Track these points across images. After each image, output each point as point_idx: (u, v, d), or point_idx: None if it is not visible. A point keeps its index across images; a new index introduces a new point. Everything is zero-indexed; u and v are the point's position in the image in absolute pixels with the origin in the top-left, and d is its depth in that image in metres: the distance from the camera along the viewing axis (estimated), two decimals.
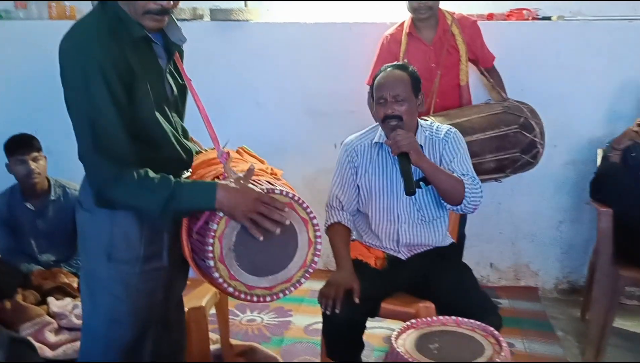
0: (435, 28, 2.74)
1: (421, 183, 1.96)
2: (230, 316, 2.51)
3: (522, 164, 2.55)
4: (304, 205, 1.47)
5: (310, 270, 1.50)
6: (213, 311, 2.29)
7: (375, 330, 2.65)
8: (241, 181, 1.43)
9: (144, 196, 1.37)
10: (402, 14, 2.83)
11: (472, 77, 2.86)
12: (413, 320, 1.55)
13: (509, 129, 2.52)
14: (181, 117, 1.60)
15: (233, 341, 2.48)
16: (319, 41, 3.21)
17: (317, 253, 1.49)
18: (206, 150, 1.71)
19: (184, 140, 1.57)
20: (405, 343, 1.44)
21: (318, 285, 1.90)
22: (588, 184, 2.68)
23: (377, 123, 2.07)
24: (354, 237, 2.13)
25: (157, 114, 1.45)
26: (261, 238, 1.39)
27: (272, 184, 1.50)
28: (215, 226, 1.39)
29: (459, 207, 1.95)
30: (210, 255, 1.39)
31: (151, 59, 1.46)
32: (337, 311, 1.78)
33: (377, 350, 2.53)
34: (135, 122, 1.40)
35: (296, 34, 3.23)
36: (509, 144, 2.54)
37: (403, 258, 2.06)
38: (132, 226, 1.46)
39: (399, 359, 1.36)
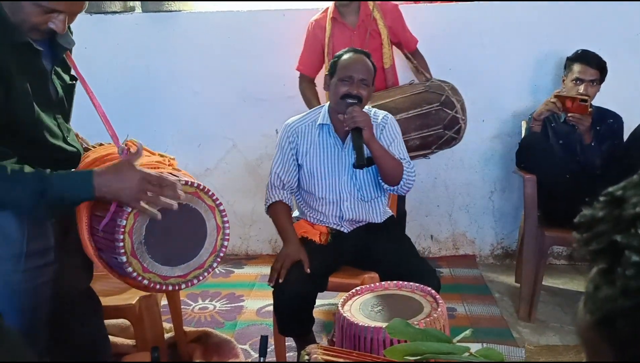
0: (357, 13, 2.81)
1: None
2: (182, 306, 2.53)
3: (446, 140, 2.67)
4: (210, 193, 1.50)
5: (221, 254, 1.54)
6: (165, 302, 2.31)
7: (326, 307, 2.76)
8: (125, 164, 1.37)
9: (15, 191, 1.31)
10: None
11: (398, 60, 2.96)
12: (358, 288, 1.65)
13: (431, 107, 2.63)
14: (67, 117, 1.53)
15: (187, 328, 2.51)
16: (252, 28, 3.23)
17: (226, 237, 1.53)
18: (93, 146, 1.66)
19: (70, 140, 1.51)
20: (351, 309, 1.54)
21: (267, 269, 1.98)
22: (514, 155, 2.87)
23: (317, 106, 2.16)
24: (298, 216, 2.21)
25: (41, 114, 1.38)
26: (159, 217, 1.38)
27: (175, 176, 1.49)
28: (124, 222, 1.39)
29: (396, 188, 2.08)
30: (122, 251, 1.39)
31: (33, 60, 1.39)
32: (280, 280, 1.88)
33: (329, 325, 2.63)
34: (13, 122, 1.34)
35: (229, 22, 3.24)
36: (432, 122, 2.65)
37: (346, 231, 2.16)
38: (12, 222, 1.39)
39: (345, 324, 1.45)
